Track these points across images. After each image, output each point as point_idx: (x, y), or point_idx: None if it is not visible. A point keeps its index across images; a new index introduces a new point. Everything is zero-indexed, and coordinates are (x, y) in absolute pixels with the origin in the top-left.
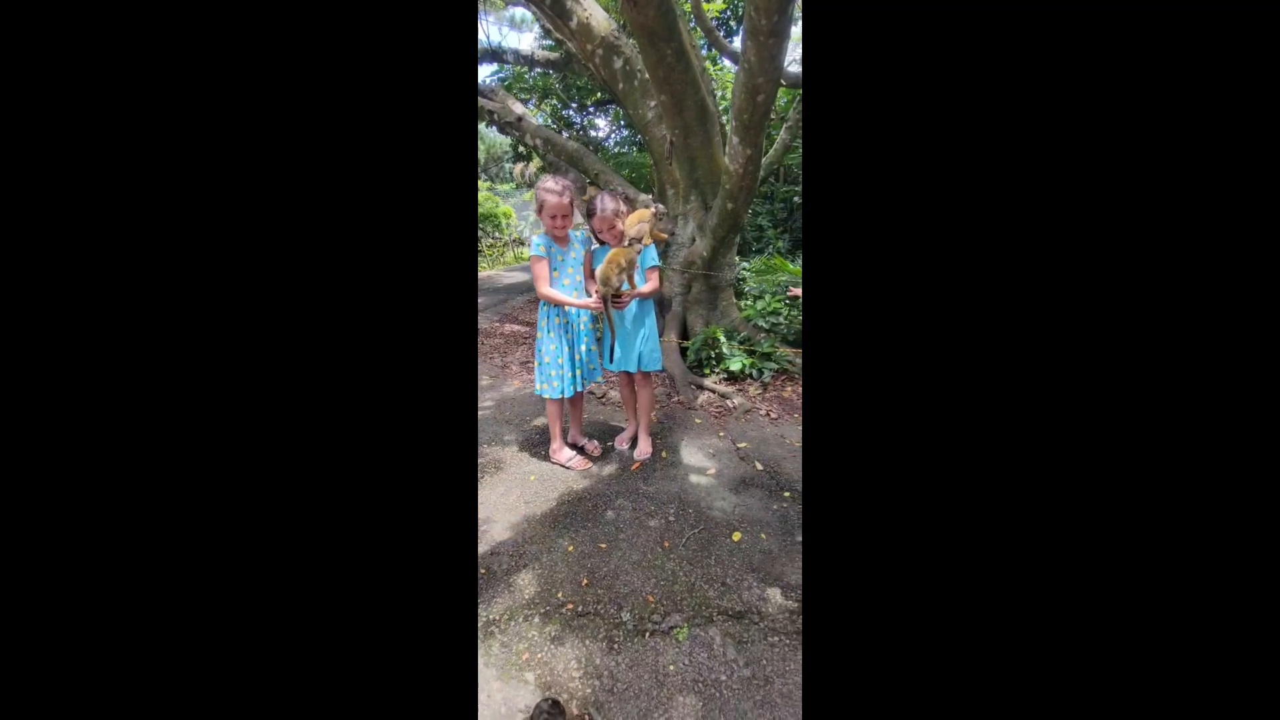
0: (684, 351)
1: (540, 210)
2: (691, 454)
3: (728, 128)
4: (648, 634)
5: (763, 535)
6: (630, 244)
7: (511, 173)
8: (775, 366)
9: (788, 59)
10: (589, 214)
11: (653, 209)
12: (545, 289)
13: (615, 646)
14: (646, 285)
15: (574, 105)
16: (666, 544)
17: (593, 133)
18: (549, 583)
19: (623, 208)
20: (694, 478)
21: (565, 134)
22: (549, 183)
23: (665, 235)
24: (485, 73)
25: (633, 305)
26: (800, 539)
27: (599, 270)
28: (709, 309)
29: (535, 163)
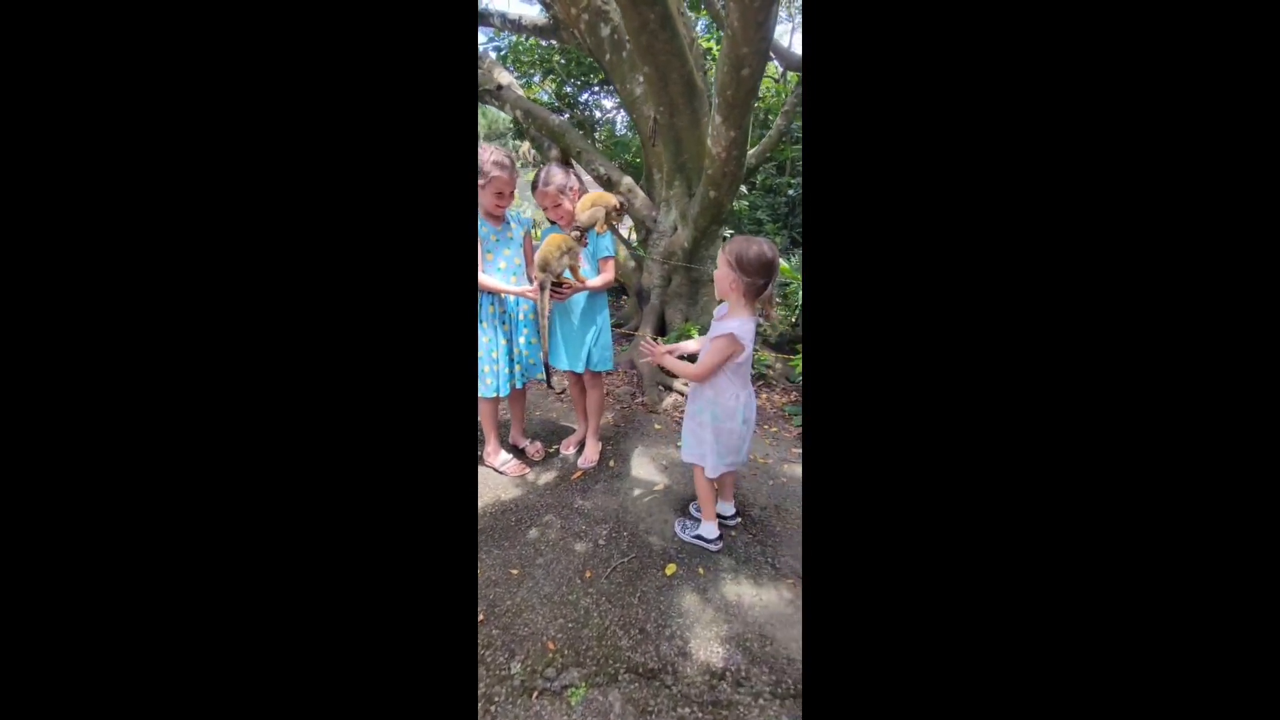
0: None
1: (484, 184)
2: (642, 465)
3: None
4: (535, 694)
5: (701, 570)
6: (579, 233)
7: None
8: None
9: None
10: (533, 186)
11: (616, 200)
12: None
13: (492, 709)
14: (597, 278)
15: (577, 83)
16: (588, 574)
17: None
18: None
19: (573, 184)
20: (638, 494)
21: (566, 114)
22: (498, 155)
23: (619, 227)
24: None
25: (581, 298)
26: (747, 576)
27: (537, 255)
28: (689, 304)
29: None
